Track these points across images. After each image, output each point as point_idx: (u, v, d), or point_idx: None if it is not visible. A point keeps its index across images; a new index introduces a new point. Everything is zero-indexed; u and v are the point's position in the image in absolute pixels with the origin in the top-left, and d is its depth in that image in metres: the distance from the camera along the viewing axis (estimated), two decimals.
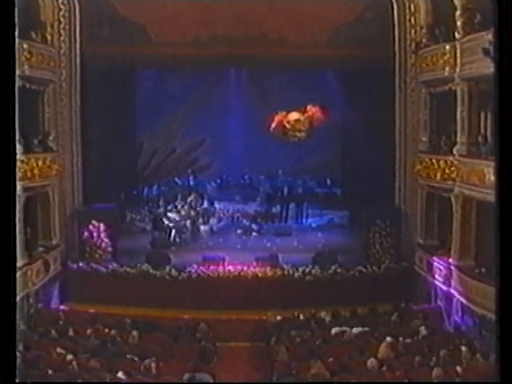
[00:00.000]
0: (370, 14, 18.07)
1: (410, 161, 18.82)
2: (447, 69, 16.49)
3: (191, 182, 22.62)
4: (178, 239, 19.69)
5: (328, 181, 22.71)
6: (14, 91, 9.46)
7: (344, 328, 14.20)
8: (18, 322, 9.76)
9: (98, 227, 18.06)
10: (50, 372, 11.67)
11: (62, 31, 17.99)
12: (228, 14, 18.05)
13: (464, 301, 15.35)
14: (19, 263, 13.94)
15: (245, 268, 17.37)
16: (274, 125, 19.50)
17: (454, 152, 16.32)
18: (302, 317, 15.31)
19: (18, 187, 14.30)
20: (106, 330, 14.03)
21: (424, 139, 18.28)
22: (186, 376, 11.81)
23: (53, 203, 17.92)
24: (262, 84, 22.69)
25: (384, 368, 12.05)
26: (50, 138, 17.79)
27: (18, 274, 10.42)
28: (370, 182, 20.30)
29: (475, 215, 15.69)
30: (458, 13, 15.90)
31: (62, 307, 17.02)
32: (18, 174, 14.32)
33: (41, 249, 17.16)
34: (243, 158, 22.95)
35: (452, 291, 15.96)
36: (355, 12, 18.12)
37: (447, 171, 16.64)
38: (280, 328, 14.67)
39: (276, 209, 21.97)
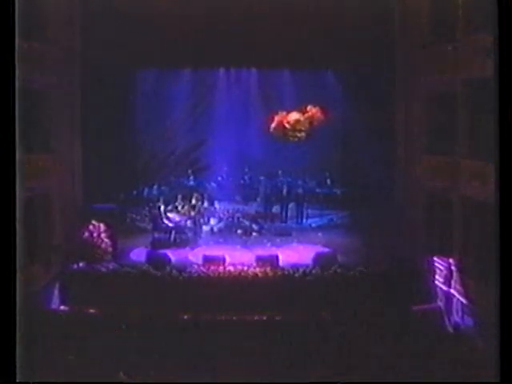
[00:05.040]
0: (371, 15, 18.06)
1: (410, 161, 18.83)
2: (448, 69, 16.50)
3: (191, 182, 22.61)
4: (178, 239, 19.67)
5: (328, 181, 22.69)
6: (15, 92, 9.47)
7: (344, 328, 14.20)
8: (18, 323, 9.75)
9: (98, 227, 18.04)
10: (50, 372, 11.67)
11: (62, 31, 18.00)
12: (228, 13, 18.06)
13: (464, 301, 15.37)
14: (19, 264, 13.92)
15: (245, 268, 17.37)
16: (273, 125, 19.52)
17: (455, 152, 16.33)
18: (302, 317, 15.31)
19: (18, 188, 14.28)
20: (107, 330, 14.02)
21: (424, 140, 18.28)
22: None
23: (53, 203, 17.91)
24: (263, 84, 22.68)
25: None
26: (51, 138, 17.77)
27: (18, 275, 10.42)
28: (369, 182, 20.30)
29: (475, 216, 15.69)
30: (459, 13, 15.91)
31: (62, 307, 17.01)
32: (19, 175, 14.31)
33: (41, 249, 17.14)
34: (243, 158, 22.95)
35: (452, 291, 15.98)
36: (356, 12, 18.12)
37: (448, 171, 16.66)
38: (280, 328, 14.67)
39: (276, 209, 21.96)
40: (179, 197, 20.91)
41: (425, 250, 17.79)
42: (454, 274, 15.89)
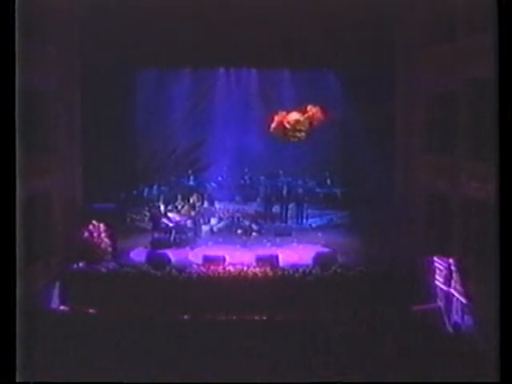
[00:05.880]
0: (371, 15, 18.06)
1: (410, 161, 18.81)
2: (448, 69, 16.50)
3: (191, 182, 22.62)
4: (178, 239, 19.68)
5: (328, 181, 22.70)
6: (14, 92, 9.47)
7: (344, 328, 14.21)
8: (18, 323, 9.76)
9: (98, 227, 18.04)
10: (50, 372, 11.68)
11: (62, 31, 18.00)
12: (228, 13, 18.07)
13: (464, 301, 15.37)
14: (19, 264, 13.92)
15: (245, 268, 17.37)
16: (273, 125, 19.52)
17: (455, 152, 16.33)
18: (302, 317, 15.32)
19: (18, 188, 14.27)
20: (107, 330, 14.03)
21: (424, 140, 18.28)
22: None
23: (53, 203, 17.91)
24: (263, 84, 22.71)
25: None
26: (51, 138, 17.77)
27: (18, 275, 10.43)
28: (369, 181, 20.30)
29: (475, 215, 15.70)
30: (459, 13, 15.91)
31: (62, 307, 17.01)
32: (19, 175, 14.31)
33: (41, 249, 17.13)
34: (243, 158, 22.97)
35: (452, 291, 15.98)
36: (356, 12, 18.11)
37: (448, 171, 16.66)
38: (280, 328, 14.67)
39: (276, 209, 21.99)
40: (179, 197, 20.94)
41: (425, 250, 17.78)
42: (454, 274, 15.88)
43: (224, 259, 17.64)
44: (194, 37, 18.49)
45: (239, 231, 20.73)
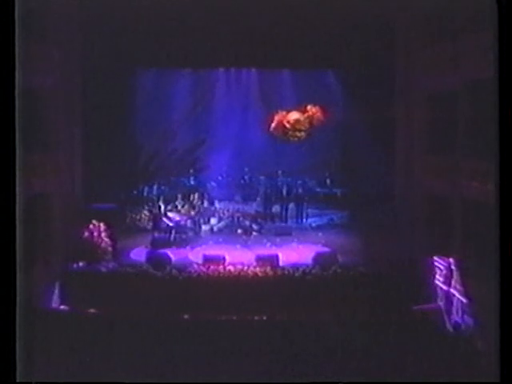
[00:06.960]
0: (372, 14, 18.06)
1: (410, 161, 18.81)
2: (448, 69, 16.50)
3: (191, 182, 22.64)
4: (178, 239, 19.69)
5: (328, 181, 22.72)
6: (14, 92, 9.48)
7: (344, 328, 14.20)
8: (18, 323, 9.76)
9: (98, 227, 18.05)
10: (50, 372, 11.68)
11: (62, 31, 17.99)
12: (228, 13, 18.06)
13: (464, 300, 15.37)
14: (19, 264, 13.92)
15: (245, 268, 17.38)
16: (273, 125, 19.54)
17: (455, 152, 16.32)
18: (302, 317, 15.31)
19: (18, 188, 14.27)
20: (107, 330, 14.03)
21: (424, 140, 18.28)
22: None
23: (53, 203, 17.90)
24: (263, 84, 22.73)
25: None
26: (51, 138, 17.76)
27: (18, 275, 10.43)
28: (369, 181, 20.31)
29: (475, 215, 15.70)
30: (459, 13, 15.90)
31: (62, 307, 17.01)
32: (19, 175, 14.32)
33: (41, 249, 17.11)
34: (243, 158, 22.98)
35: (452, 291, 15.98)
36: (356, 12, 18.12)
37: (448, 171, 16.66)
38: (280, 328, 14.67)
39: (276, 209, 22.00)
40: (179, 196, 20.97)
41: (425, 250, 17.78)
42: (454, 273, 15.88)
43: (224, 259, 17.65)
44: (193, 37, 18.49)
45: (239, 231, 20.75)
